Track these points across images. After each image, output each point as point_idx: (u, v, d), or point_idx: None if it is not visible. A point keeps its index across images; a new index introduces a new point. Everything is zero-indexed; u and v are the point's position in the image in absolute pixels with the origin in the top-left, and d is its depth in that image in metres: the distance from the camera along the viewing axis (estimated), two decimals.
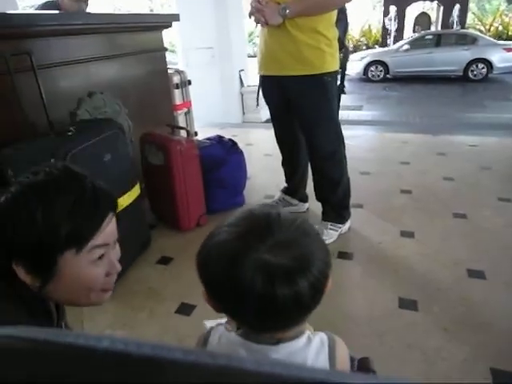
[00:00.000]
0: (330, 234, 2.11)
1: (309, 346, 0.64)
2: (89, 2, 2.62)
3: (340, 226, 2.15)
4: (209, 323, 0.80)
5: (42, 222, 0.63)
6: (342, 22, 2.00)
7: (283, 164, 2.41)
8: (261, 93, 2.20)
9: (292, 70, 1.89)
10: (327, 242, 2.07)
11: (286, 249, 0.57)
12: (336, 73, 1.97)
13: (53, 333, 0.20)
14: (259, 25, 1.89)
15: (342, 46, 2.04)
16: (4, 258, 0.65)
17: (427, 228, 2.20)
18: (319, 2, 1.79)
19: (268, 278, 0.55)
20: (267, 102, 2.22)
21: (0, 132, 1.61)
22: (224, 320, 0.71)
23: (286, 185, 2.46)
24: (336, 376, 0.19)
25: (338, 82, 2.09)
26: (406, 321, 1.55)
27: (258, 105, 2.54)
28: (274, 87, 2.04)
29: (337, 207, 2.15)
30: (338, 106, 2.14)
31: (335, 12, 1.87)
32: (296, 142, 2.24)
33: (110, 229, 0.72)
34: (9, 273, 0.65)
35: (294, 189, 2.42)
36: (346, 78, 2.30)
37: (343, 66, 2.11)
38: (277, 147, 2.33)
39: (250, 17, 1.89)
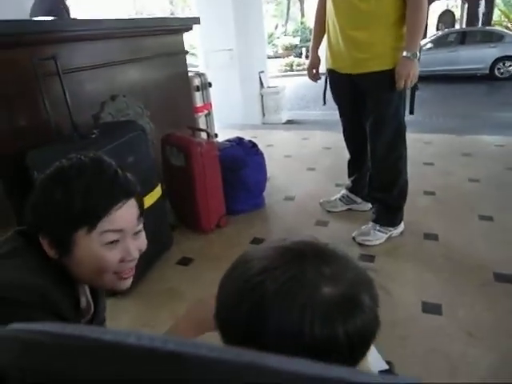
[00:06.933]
0: (378, 236, 2.07)
1: None
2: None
3: (390, 229, 2.10)
4: None
5: (61, 200, 0.69)
6: None
7: (349, 162, 2.39)
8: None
9: None
10: (371, 243, 2.05)
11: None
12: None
13: (79, 328, 0.21)
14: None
15: None
16: (35, 231, 0.72)
17: (452, 230, 2.15)
18: (419, 26, 1.80)
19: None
20: None
21: (26, 135, 1.66)
22: None
23: (348, 182, 2.44)
24: (360, 376, 0.19)
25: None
26: (429, 325, 1.52)
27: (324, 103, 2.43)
28: None
29: (389, 208, 2.10)
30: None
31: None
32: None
33: (125, 215, 0.73)
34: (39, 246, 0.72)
35: (358, 187, 2.39)
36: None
37: None
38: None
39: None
